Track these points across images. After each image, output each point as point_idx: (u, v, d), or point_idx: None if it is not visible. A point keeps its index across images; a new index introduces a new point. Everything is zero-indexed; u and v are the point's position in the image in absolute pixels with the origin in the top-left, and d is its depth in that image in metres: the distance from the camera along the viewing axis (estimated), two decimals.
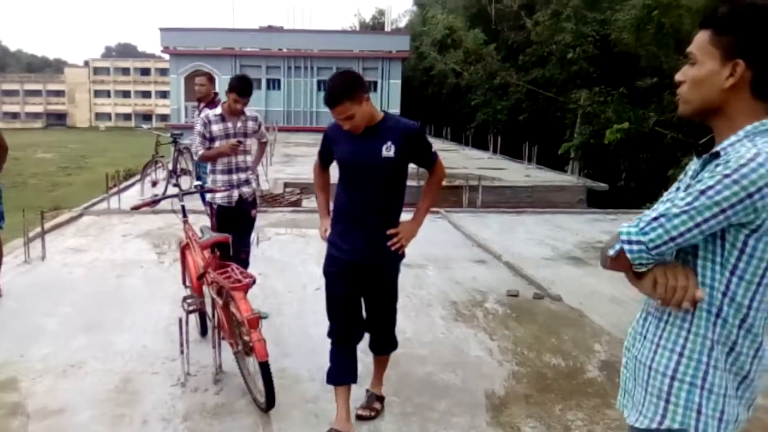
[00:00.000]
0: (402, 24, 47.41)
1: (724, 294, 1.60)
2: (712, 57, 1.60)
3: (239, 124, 5.30)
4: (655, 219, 1.57)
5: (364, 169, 3.36)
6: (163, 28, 37.80)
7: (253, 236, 6.22)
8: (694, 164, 1.73)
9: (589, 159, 20.83)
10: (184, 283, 5.14)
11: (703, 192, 1.51)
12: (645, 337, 1.76)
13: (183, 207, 4.87)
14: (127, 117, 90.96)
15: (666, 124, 17.24)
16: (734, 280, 1.58)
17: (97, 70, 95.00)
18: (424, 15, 38.88)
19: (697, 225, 1.52)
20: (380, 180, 3.36)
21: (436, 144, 28.34)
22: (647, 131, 17.39)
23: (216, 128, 5.28)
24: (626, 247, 1.59)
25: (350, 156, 3.40)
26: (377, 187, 3.38)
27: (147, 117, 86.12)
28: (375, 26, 46.84)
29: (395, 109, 38.15)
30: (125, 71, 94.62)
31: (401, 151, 3.32)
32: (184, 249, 4.86)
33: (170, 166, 11.20)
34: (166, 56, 39.52)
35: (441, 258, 7.80)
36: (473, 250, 8.31)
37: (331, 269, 3.59)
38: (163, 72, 74.22)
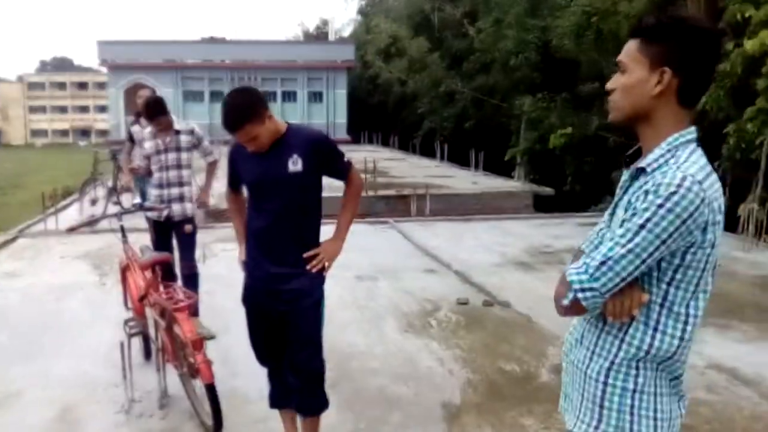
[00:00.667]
0: (346, 33, 47.47)
1: (662, 305, 1.63)
2: (641, 65, 1.63)
3: (168, 139, 5.28)
4: (603, 263, 1.58)
5: (271, 188, 3.06)
6: (101, 40, 36.96)
7: (199, 253, 6.08)
8: (623, 175, 1.77)
9: (535, 164, 21.12)
10: (126, 305, 4.97)
11: (642, 226, 1.54)
12: (581, 343, 1.79)
13: (122, 227, 4.72)
14: (64, 133, 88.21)
15: (608, 128, 17.58)
16: (671, 290, 1.62)
17: (31, 86, 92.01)
18: (368, 24, 39.07)
19: (643, 261, 1.56)
20: (290, 197, 3.06)
21: (384, 153, 28.41)
22: (591, 135, 17.74)
23: (148, 145, 5.30)
24: (580, 295, 1.61)
25: (256, 175, 3.11)
26: (287, 205, 3.07)
27: (85, 133, 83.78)
28: (319, 36, 46.78)
29: (341, 120, 38.27)
30: (61, 86, 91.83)
31: (309, 163, 3.04)
32: (124, 270, 4.70)
33: (110, 184, 10.89)
34: (104, 70, 38.62)
35: (392, 269, 7.77)
36: (423, 260, 8.31)
37: (247, 299, 3.38)
38: (102, 86, 72.41)
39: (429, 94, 29.75)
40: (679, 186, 1.50)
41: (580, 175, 19.21)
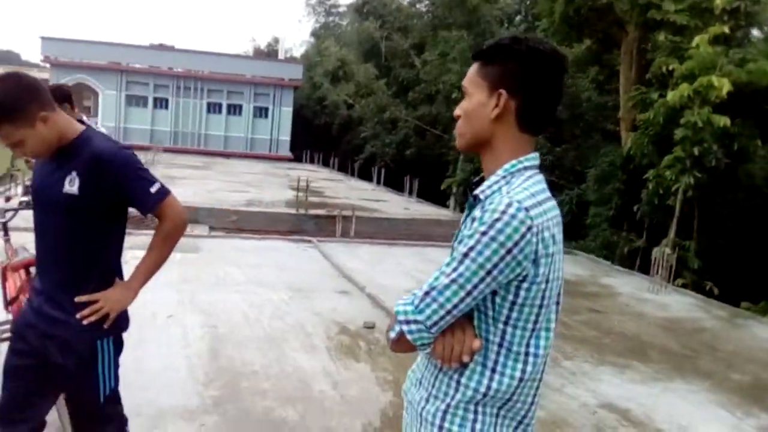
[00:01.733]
0: (298, 54, 47.54)
1: (500, 345, 1.55)
2: (481, 88, 1.59)
3: None
4: (427, 294, 1.50)
5: (46, 207, 2.39)
6: (45, 36, 35.89)
7: None
8: (467, 207, 1.70)
9: (468, 196, 21.43)
10: (6, 308, 4.72)
11: (466, 255, 1.46)
12: (420, 384, 1.68)
13: (4, 224, 4.50)
14: None
15: (539, 166, 17.96)
16: (509, 330, 1.53)
17: None
18: (320, 46, 39.22)
19: (468, 293, 1.47)
20: (61, 224, 2.35)
21: (323, 173, 28.33)
22: None
23: None
24: (405, 328, 1.53)
25: (35, 188, 2.46)
26: (57, 233, 2.38)
27: None
28: (270, 53, 46.64)
29: (285, 137, 38.13)
30: None
31: (87, 185, 2.29)
32: (4, 271, 4.47)
33: (27, 181, 10.48)
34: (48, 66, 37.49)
35: (305, 288, 7.67)
36: (339, 281, 8.25)
37: (10, 338, 2.63)
38: (46, 83, 70.23)
39: (373, 120, 29.99)
40: (503, 213, 1.44)
41: None
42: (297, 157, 36.97)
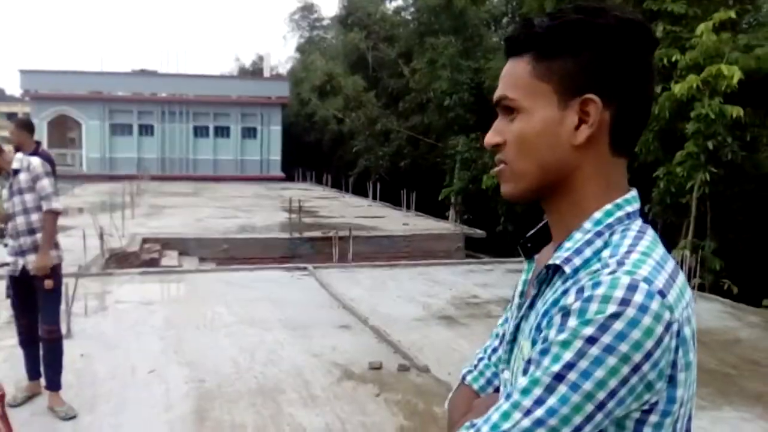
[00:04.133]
0: (285, 70, 47.01)
1: None
2: (544, 98, 0.97)
3: (11, 180, 4.50)
4: None
5: None
6: (24, 70, 35.28)
7: (66, 309, 5.21)
8: (523, 272, 1.14)
9: (469, 205, 20.87)
10: None
11: (560, 378, 0.85)
12: None
13: None
14: None
15: None
16: None
17: None
18: (305, 60, 38.73)
19: None
20: None
21: (316, 191, 27.83)
22: None
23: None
24: None
25: None
26: None
27: None
28: (255, 72, 46.11)
29: (276, 156, 37.57)
30: None
31: None
32: None
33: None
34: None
35: (301, 324, 7.01)
36: (338, 313, 7.57)
37: None
38: None
39: (364, 133, 29.39)
40: (626, 303, 0.83)
41: (512, 216, 18.97)
42: (289, 176, 36.34)
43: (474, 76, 21.60)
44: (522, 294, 1.09)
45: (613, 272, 0.87)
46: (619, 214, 0.96)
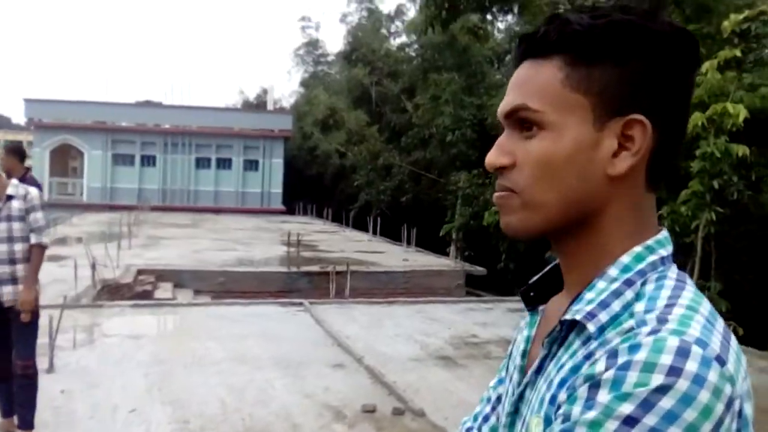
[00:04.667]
0: (288, 104, 47.27)
1: None
2: (577, 112, 0.76)
3: (1, 205, 4.29)
4: None
5: None
6: (28, 98, 35.47)
7: (49, 342, 4.98)
8: (525, 326, 0.92)
9: (470, 241, 20.71)
10: None
11: None
12: None
13: None
14: None
15: None
16: None
17: None
18: (309, 95, 38.96)
19: None
20: None
21: (316, 225, 27.79)
22: None
23: None
24: None
25: None
26: None
27: None
28: (259, 105, 46.36)
29: (277, 189, 37.52)
30: None
31: None
32: None
33: None
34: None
35: (294, 362, 6.75)
36: (333, 351, 7.32)
37: None
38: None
39: (366, 167, 29.36)
40: (675, 371, 0.63)
41: (513, 254, 18.78)
42: (290, 210, 36.21)
43: (477, 113, 21.68)
44: (524, 354, 0.88)
45: (655, 332, 0.66)
46: (652, 258, 0.76)
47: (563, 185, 0.76)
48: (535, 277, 0.91)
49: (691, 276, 10.44)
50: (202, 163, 37.17)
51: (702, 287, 10.20)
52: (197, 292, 12.13)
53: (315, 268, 13.42)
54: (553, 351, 0.79)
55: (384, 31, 36.36)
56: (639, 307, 0.72)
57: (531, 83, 0.78)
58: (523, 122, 0.78)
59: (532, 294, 0.90)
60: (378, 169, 28.82)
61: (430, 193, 25.41)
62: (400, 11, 36.07)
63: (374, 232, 23.60)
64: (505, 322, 9.25)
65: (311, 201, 35.29)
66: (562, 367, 0.75)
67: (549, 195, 0.77)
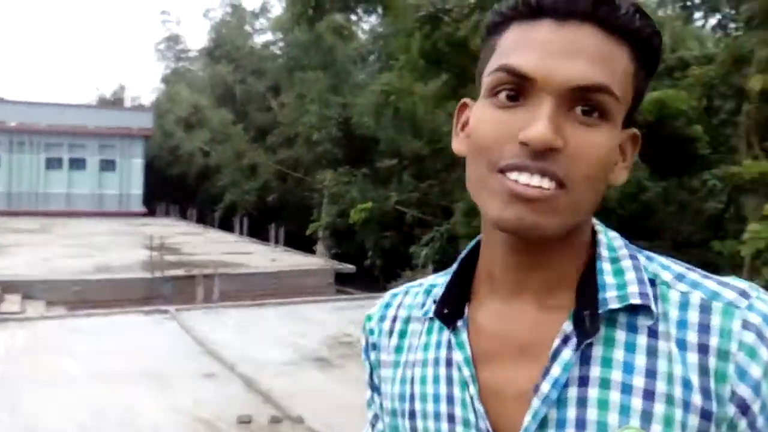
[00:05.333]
0: (148, 102, 45.17)
1: None
2: (623, 112, 0.68)
3: None
4: None
5: None
6: None
7: None
8: (440, 348, 0.75)
9: (338, 239, 20.84)
10: None
11: None
12: None
13: None
14: None
15: (405, 203, 17.82)
16: None
17: None
18: (170, 92, 37.48)
19: None
20: None
21: (180, 227, 26.77)
22: (390, 210, 17.80)
23: None
24: None
25: None
26: None
27: None
28: (116, 102, 43.96)
29: (137, 190, 35.74)
30: None
31: None
32: None
33: None
34: None
35: (161, 375, 6.43)
36: (203, 360, 7.05)
37: None
38: None
39: (231, 167, 28.72)
40: None
41: (380, 250, 19.15)
42: (151, 212, 34.59)
43: (342, 112, 21.84)
44: (474, 379, 0.70)
45: (742, 293, 0.66)
46: (611, 233, 0.74)
47: (602, 188, 0.68)
48: (443, 290, 0.76)
49: None
50: (52, 163, 34.57)
51: None
52: (50, 303, 11.25)
53: (180, 272, 12.89)
54: (588, 353, 0.67)
55: (248, 28, 35.64)
56: (666, 275, 0.69)
57: (613, 64, 0.65)
58: (591, 106, 0.65)
59: (446, 311, 0.75)
60: (243, 169, 28.30)
61: (297, 192, 25.32)
62: (264, 8, 35.48)
63: (241, 233, 23.14)
64: None
65: (174, 202, 33.93)
66: (627, 363, 0.65)
67: (595, 198, 0.68)
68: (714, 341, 0.64)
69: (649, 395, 0.64)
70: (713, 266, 8.66)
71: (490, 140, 0.67)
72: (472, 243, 0.80)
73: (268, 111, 29.39)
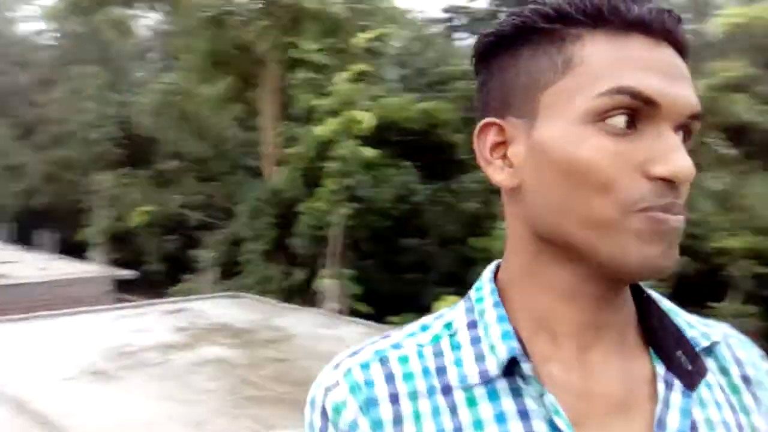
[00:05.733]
0: None
1: None
2: None
3: None
4: None
5: None
6: None
7: None
8: (492, 405, 0.63)
9: (118, 244, 19.85)
10: None
11: None
12: None
13: None
14: None
15: (189, 205, 17.61)
16: None
17: None
18: None
19: None
20: None
21: None
22: (173, 213, 17.47)
23: None
24: None
25: None
26: None
27: None
28: None
29: None
30: None
31: None
32: None
33: None
34: None
35: None
36: None
37: None
38: None
39: None
40: None
41: (163, 254, 18.71)
42: None
43: (121, 110, 20.90)
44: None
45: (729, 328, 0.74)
46: None
47: None
48: (507, 342, 0.63)
49: (331, 265, 11.70)
50: None
51: (340, 274, 11.47)
52: None
53: None
54: (690, 395, 0.64)
55: (12, 14, 32.27)
56: (688, 317, 0.70)
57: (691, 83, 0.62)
58: (689, 131, 0.62)
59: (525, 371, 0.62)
60: (7, 169, 25.77)
61: (71, 195, 23.62)
62: None
63: (8, 240, 21.11)
64: (161, 326, 9.18)
65: None
66: (717, 401, 0.66)
67: None
68: (750, 371, 0.69)
69: (740, 428, 0.65)
70: (471, 261, 9.85)
71: (612, 175, 0.58)
72: (488, 281, 0.70)
73: (36, 106, 27.00)
